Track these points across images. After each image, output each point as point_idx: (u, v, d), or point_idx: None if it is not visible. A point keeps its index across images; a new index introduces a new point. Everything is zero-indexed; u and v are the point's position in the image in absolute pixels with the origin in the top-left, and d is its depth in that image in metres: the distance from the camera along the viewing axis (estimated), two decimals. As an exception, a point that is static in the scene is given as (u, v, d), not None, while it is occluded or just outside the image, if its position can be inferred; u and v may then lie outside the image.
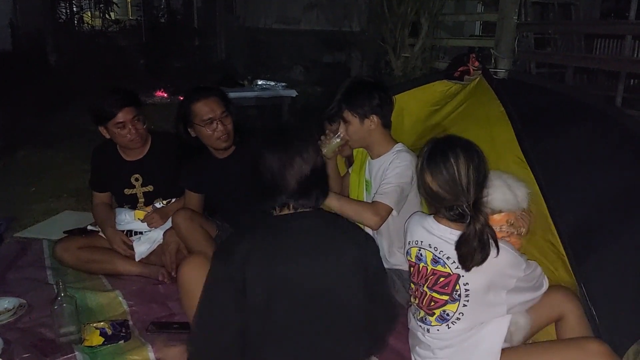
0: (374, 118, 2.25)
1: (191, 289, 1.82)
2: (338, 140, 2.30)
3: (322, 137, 2.34)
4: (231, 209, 2.68)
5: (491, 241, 1.60)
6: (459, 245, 1.62)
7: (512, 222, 1.85)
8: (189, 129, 2.57)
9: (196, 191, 2.74)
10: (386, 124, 2.31)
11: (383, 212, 2.13)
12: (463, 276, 1.67)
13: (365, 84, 2.33)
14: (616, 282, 1.99)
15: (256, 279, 1.43)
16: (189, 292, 1.88)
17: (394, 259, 2.37)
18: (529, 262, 1.73)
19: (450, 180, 1.62)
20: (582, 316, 1.86)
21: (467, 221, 1.61)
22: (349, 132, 2.28)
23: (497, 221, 1.82)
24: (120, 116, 2.60)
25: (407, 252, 1.84)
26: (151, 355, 2.09)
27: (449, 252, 1.67)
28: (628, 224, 2.12)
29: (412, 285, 1.86)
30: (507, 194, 1.83)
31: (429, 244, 1.73)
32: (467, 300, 1.69)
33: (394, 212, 2.18)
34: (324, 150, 2.30)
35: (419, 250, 1.77)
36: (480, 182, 1.64)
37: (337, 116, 2.31)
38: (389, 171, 2.24)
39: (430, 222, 1.74)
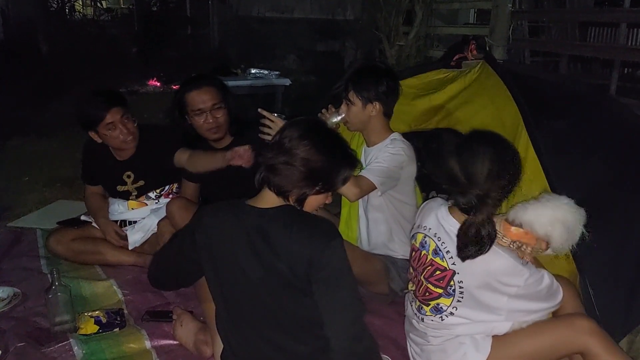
0: (377, 105, 2.25)
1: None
2: (338, 119, 2.28)
3: (323, 111, 2.31)
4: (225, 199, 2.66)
5: (488, 239, 1.57)
6: (459, 232, 1.61)
7: (524, 247, 1.69)
8: (185, 117, 2.56)
9: (192, 180, 2.73)
10: (387, 113, 2.31)
11: (364, 186, 2.13)
12: (458, 273, 1.67)
13: (376, 69, 2.32)
14: (609, 272, 2.00)
15: (199, 243, 1.58)
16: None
17: (393, 245, 2.39)
18: (537, 271, 1.68)
19: (472, 169, 1.59)
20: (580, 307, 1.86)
21: (472, 212, 1.60)
22: (350, 113, 2.27)
23: (511, 234, 1.69)
24: (109, 117, 2.56)
25: (413, 236, 1.84)
26: (147, 343, 2.10)
27: (450, 246, 1.67)
28: (619, 212, 2.13)
29: (411, 270, 1.85)
30: (542, 217, 1.67)
31: (435, 234, 1.73)
32: (462, 297, 1.69)
33: (378, 192, 2.19)
34: None
35: (425, 237, 1.77)
36: (500, 183, 1.59)
37: (342, 95, 2.29)
38: (381, 153, 2.25)
39: (444, 212, 1.73)
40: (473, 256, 1.59)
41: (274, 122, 2.11)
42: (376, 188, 2.16)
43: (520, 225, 1.68)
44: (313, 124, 1.61)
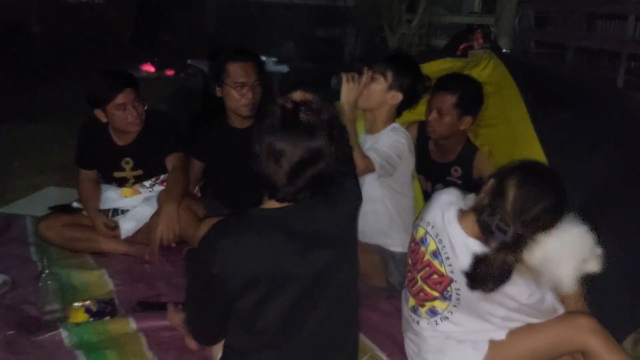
0: (400, 96, 2.23)
1: None
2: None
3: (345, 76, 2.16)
4: (233, 184, 2.61)
5: (508, 275, 1.52)
6: (477, 264, 1.54)
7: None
8: (217, 88, 2.54)
9: (201, 160, 2.72)
10: (400, 110, 2.29)
11: (361, 166, 2.06)
12: (455, 281, 1.63)
13: (418, 66, 2.31)
14: (613, 269, 1.91)
15: (235, 274, 1.35)
16: None
17: (390, 240, 2.37)
18: (538, 291, 1.63)
19: (527, 204, 1.51)
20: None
21: (498, 245, 1.52)
22: (371, 88, 2.21)
23: None
24: (121, 98, 2.53)
25: (415, 227, 1.79)
26: (138, 332, 2.07)
27: (451, 254, 1.62)
28: (625, 208, 2.10)
29: (409, 262, 1.83)
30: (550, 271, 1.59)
31: (437, 234, 1.67)
32: (458, 302, 1.67)
33: (374, 175, 2.16)
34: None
35: (426, 234, 1.72)
36: (539, 228, 1.54)
37: (377, 66, 2.23)
38: (381, 139, 2.23)
39: (452, 214, 1.65)
40: (489, 291, 1.53)
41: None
42: (374, 170, 2.12)
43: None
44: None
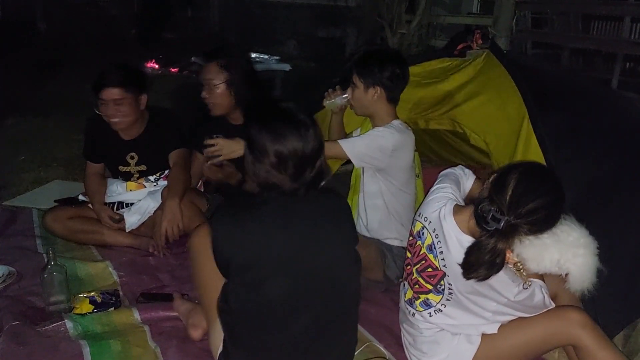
0: (378, 89, 2.24)
1: (199, 256, 1.79)
2: (343, 101, 2.35)
3: (329, 91, 2.37)
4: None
5: (500, 265, 1.53)
6: (471, 250, 1.55)
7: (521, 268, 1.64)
8: None
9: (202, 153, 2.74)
10: (392, 99, 2.29)
11: (330, 152, 2.10)
12: (448, 276, 1.65)
13: (382, 53, 2.32)
14: (606, 266, 1.93)
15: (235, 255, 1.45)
16: (197, 259, 1.83)
17: (387, 232, 2.38)
18: (528, 288, 1.63)
19: (524, 197, 1.52)
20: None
21: (491, 232, 1.52)
22: (354, 96, 2.30)
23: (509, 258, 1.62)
24: (103, 94, 2.55)
25: (414, 221, 1.82)
26: (136, 316, 2.11)
27: (445, 248, 1.65)
28: (619, 206, 2.13)
29: (408, 254, 1.85)
30: (545, 259, 1.61)
31: (434, 229, 1.69)
32: (450, 297, 1.69)
33: (371, 169, 2.24)
34: (325, 103, 2.38)
35: (423, 228, 1.74)
36: (534, 228, 1.55)
37: (347, 77, 2.30)
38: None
39: (448, 210, 1.67)
40: (482, 279, 1.54)
41: (217, 144, 2.26)
42: (347, 157, 2.21)
43: (520, 258, 1.63)
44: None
